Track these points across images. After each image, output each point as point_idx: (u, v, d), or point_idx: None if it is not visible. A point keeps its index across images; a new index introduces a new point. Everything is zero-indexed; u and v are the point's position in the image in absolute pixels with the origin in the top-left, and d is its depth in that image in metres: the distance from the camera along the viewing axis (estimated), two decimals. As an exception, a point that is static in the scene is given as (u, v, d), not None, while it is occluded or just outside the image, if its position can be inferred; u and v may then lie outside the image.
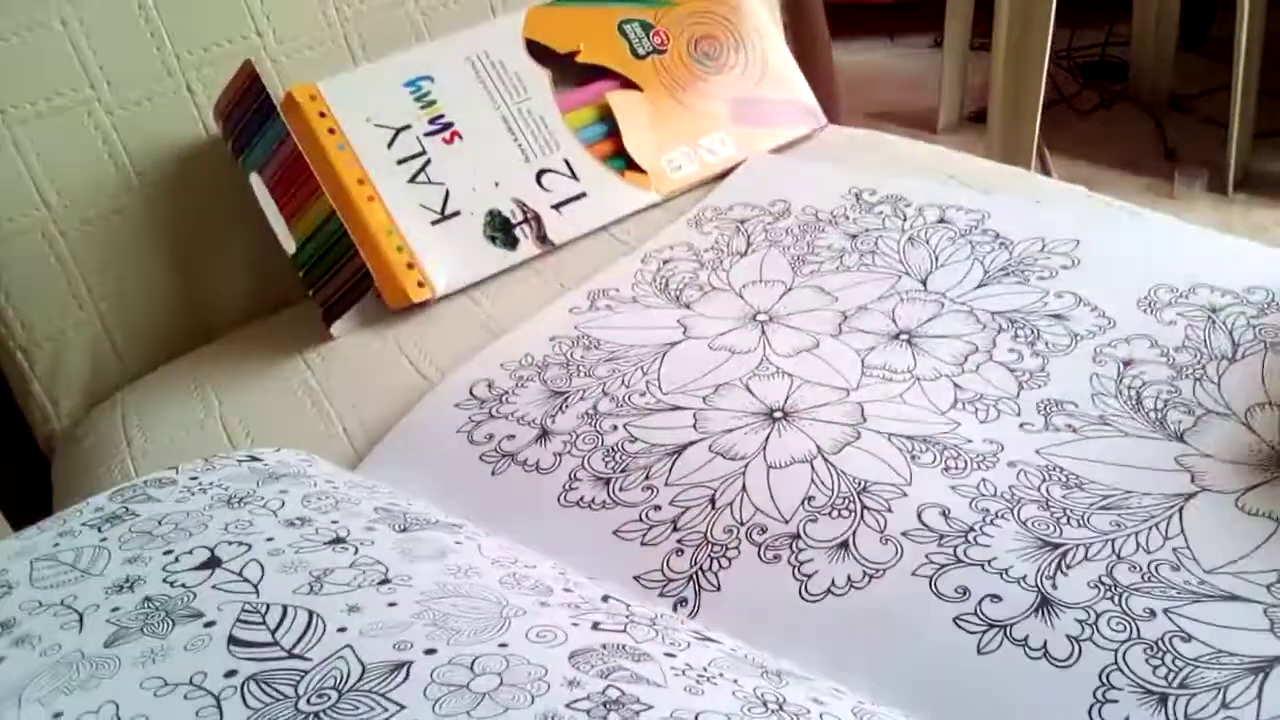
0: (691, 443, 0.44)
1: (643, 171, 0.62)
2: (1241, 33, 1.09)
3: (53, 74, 0.56)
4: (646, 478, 0.43)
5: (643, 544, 0.41)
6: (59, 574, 0.36)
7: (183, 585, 0.34)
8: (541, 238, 0.59)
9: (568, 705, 0.28)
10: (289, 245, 0.58)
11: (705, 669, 0.30)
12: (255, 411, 0.54)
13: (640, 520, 0.42)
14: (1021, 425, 0.43)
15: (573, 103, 0.62)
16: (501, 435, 0.47)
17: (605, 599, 0.34)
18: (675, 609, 0.39)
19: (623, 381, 0.49)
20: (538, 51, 0.63)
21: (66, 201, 0.58)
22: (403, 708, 0.28)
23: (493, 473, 0.46)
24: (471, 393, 0.50)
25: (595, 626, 0.31)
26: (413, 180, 0.58)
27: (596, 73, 0.63)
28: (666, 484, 0.43)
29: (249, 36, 0.59)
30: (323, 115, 0.58)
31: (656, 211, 0.62)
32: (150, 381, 0.60)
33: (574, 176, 0.60)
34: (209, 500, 0.39)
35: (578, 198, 0.60)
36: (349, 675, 0.29)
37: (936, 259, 0.53)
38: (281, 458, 0.44)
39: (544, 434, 0.47)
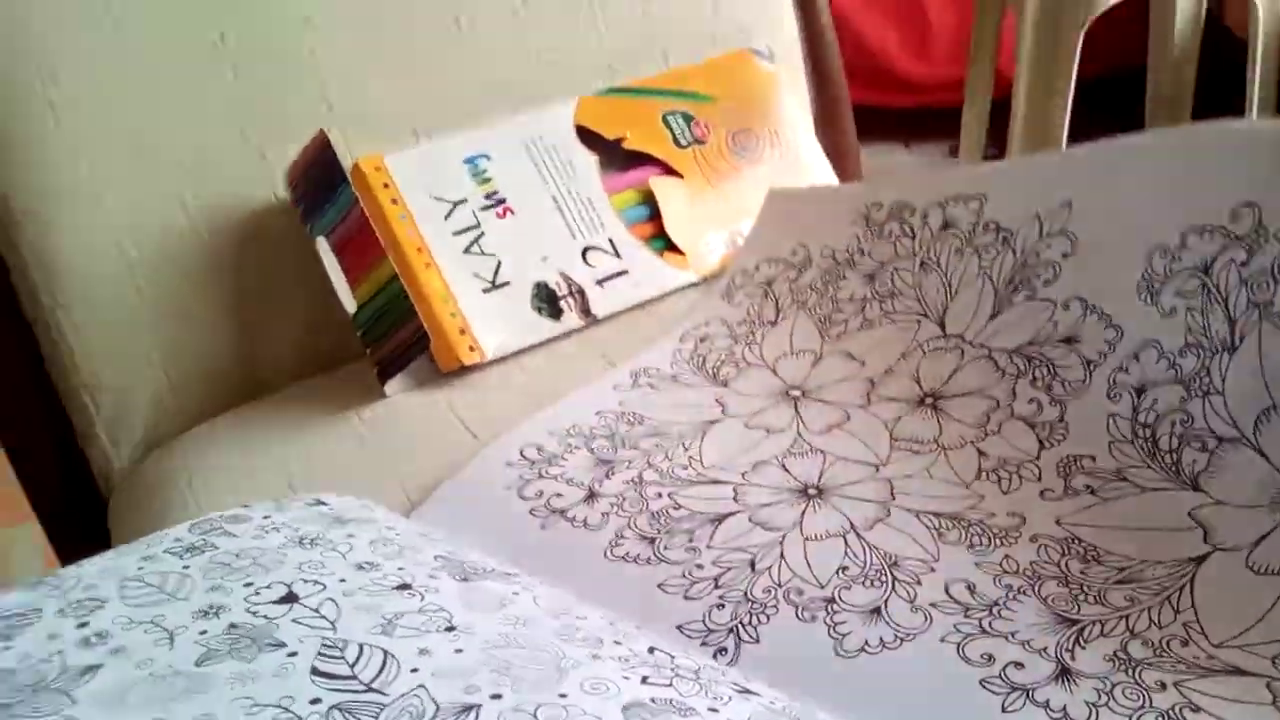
0: (732, 513, 0.47)
1: (681, 253, 0.65)
2: (1252, 101, 1.13)
3: (139, 141, 0.60)
4: (690, 540, 0.46)
5: (685, 598, 0.44)
6: (147, 595, 0.38)
7: (264, 617, 0.36)
8: (585, 311, 0.63)
9: None
10: (350, 305, 0.61)
11: None
12: (309, 461, 0.57)
13: (683, 577, 0.44)
14: (1043, 493, 0.46)
15: (618, 185, 0.66)
16: (550, 493, 0.50)
17: (651, 651, 0.36)
18: (715, 657, 0.41)
19: (666, 455, 0.51)
20: (587, 137, 0.66)
21: (143, 257, 0.61)
22: None
23: (542, 526, 0.49)
24: (522, 454, 0.53)
25: (644, 680, 0.33)
26: (467, 251, 0.62)
27: (641, 159, 0.67)
28: (708, 546, 0.46)
29: (320, 110, 0.63)
30: (386, 186, 0.62)
31: (692, 291, 0.66)
32: (208, 428, 0.63)
33: (617, 255, 0.64)
34: (282, 539, 0.41)
35: (620, 274, 0.64)
36: (424, 712, 0.31)
37: (950, 286, 0.55)
38: (345, 503, 0.47)
39: (592, 495, 0.49)
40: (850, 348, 0.56)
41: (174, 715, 0.32)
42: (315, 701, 0.32)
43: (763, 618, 0.42)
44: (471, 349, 0.60)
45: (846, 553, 0.44)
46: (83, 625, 0.37)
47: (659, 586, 0.44)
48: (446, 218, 0.63)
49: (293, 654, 0.34)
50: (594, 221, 0.65)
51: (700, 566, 0.45)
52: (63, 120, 0.59)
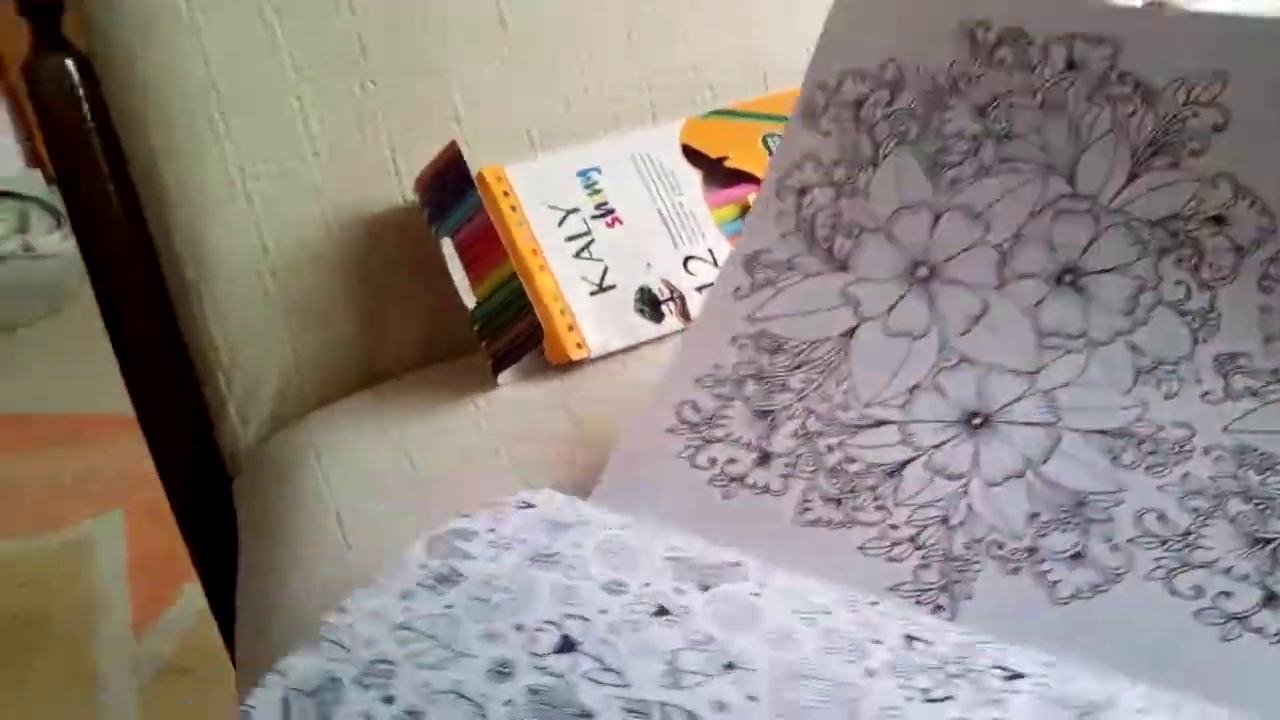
0: (907, 461, 0.46)
1: (777, 267, 0.70)
2: None
3: (286, 143, 0.66)
4: (875, 498, 0.45)
5: (889, 559, 0.43)
6: (429, 650, 0.38)
7: (555, 674, 0.36)
8: (684, 314, 0.67)
9: None
10: (470, 301, 0.66)
11: None
12: (431, 445, 0.62)
13: (881, 538, 0.44)
14: (1204, 395, 0.44)
15: (719, 201, 0.71)
16: (723, 460, 0.49)
17: (910, 642, 0.36)
18: (934, 613, 0.42)
19: (820, 395, 0.49)
20: (692, 155, 0.72)
21: (280, 248, 0.67)
22: None
23: (724, 496, 0.48)
24: (680, 418, 0.51)
25: (925, 696, 0.34)
26: (578, 256, 0.67)
27: (741, 177, 0.73)
28: (896, 505, 0.45)
29: (449, 122, 0.69)
30: (506, 194, 0.67)
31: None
32: (332, 411, 0.69)
33: (715, 264, 0.69)
34: (517, 559, 0.42)
35: (718, 282, 0.68)
36: None
37: (1079, 136, 0.48)
38: (546, 499, 0.47)
39: (764, 457, 0.48)
40: (969, 200, 0.49)
41: None
42: None
43: (970, 574, 0.42)
44: (579, 345, 0.65)
45: (1031, 496, 0.44)
46: (389, 701, 0.37)
47: (859, 549, 0.44)
48: (560, 225, 0.68)
49: None
50: (696, 232, 0.70)
51: (895, 527, 0.44)
52: (222, 128, 0.65)
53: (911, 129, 0.51)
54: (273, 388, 0.70)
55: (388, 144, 0.70)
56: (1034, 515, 0.43)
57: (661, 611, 0.38)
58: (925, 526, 0.44)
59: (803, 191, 0.53)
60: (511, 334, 0.67)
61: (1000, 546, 0.43)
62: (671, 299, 0.69)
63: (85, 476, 1.48)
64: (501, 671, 0.36)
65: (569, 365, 0.66)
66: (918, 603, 0.42)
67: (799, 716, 0.33)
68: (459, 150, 0.68)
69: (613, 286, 0.69)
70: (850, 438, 0.48)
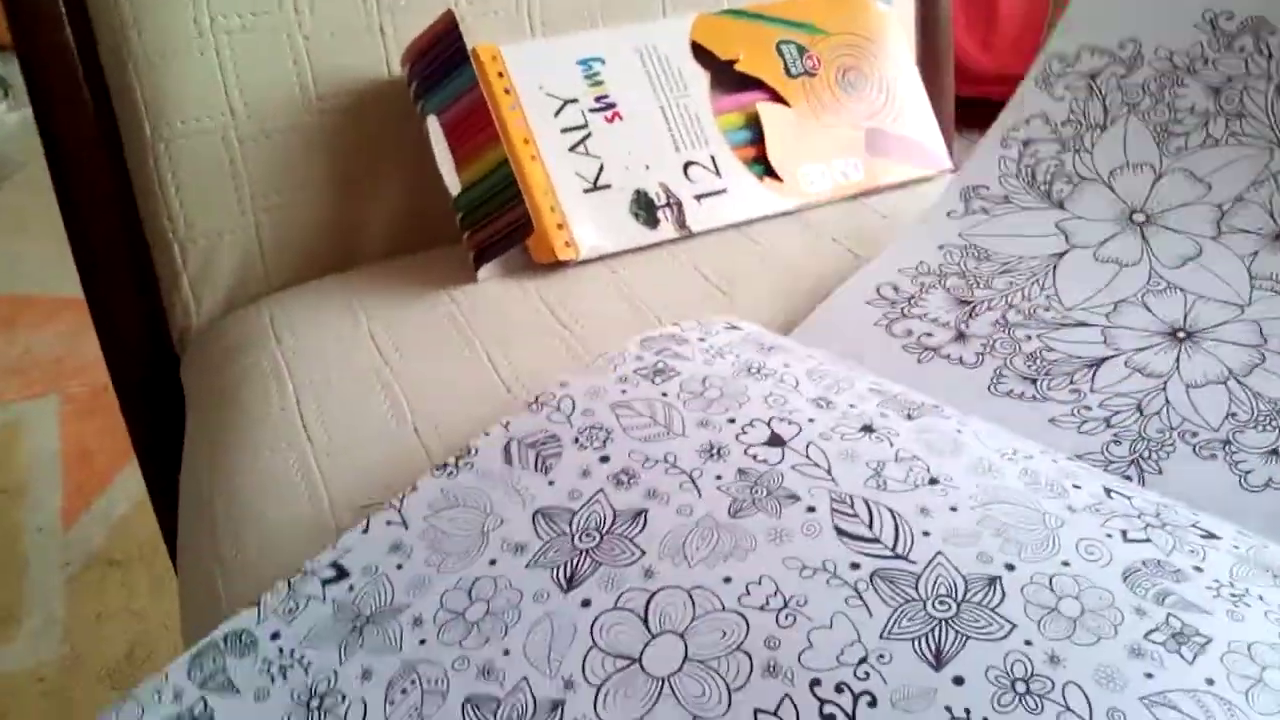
0: (1106, 358, 0.48)
1: (779, 179, 0.66)
2: None
3: (262, -7, 0.60)
4: (1071, 382, 0.47)
5: (1079, 432, 0.45)
6: (643, 426, 0.41)
7: (765, 462, 0.38)
8: (680, 223, 0.63)
9: (1145, 637, 0.31)
10: (454, 187, 0.61)
11: (1232, 584, 0.34)
12: (402, 329, 0.58)
13: (1073, 414, 0.46)
14: None
15: (726, 106, 0.67)
16: (920, 332, 0.51)
17: (1109, 494, 0.38)
18: None
19: (1024, 295, 0.51)
20: (701, 54, 0.68)
21: (250, 111, 0.62)
22: (1015, 626, 0.31)
23: (918, 361, 0.50)
24: (879, 293, 0.54)
25: (1125, 537, 0.35)
26: (572, 149, 0.62)
27: (751, 83, 0.68)
28: (1092, 390, 0.47)
29: (442, -9, 0.64)
30: (500, 75, 0.62)
31: (788, 219, 0.66)
32: (297, 293, 0.64)
33: (717, 173, 0.65)
34: (731, 367, 0.44)
35: (718, 193, 0.65)
36: (955, 585, 0.33)
37: None
38: (750, 326, 0.49)
39: (961, 335, 0.50)
40: (1193, 166, 0.54)
41: (738, 573, 0.34)
42: (855, 567, 0.34)
43: (1162, 454, 0.44)
44: (567, 244, 0.60)
45: (1231, 400, 0.46)
46: (605, 460, 0.39)
47: (1050, 421, 0.46)
48: (556, 114, 0.63)
49: (811, 509, 0.36)
50: (699, 137, 0.65)
51: (1088, 408, 0.46)
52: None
53: (1144, 100, 0.56)
54: (231, 264, 0.63)
55: (377, 6, 0.63)
56: (1232, 415, 0.44)
57: (868, 429, 0.39)
58: (1119, 411, 0.45)
59: (1028, 143, 0.58)
60: (497, 225, 0.61)
61: (1195, 435, 0.44)
62: (669, 204, 0.65)
63: (21, 358, 1.41)
64: (713, 452, 0.38)
65: (554, 265, 0.62)
66: (1104, 471, 0.43)
67: (999, 531, 0.34)
68: (455, 21, 0.60)
69: (608, 186, 0.63)
70: (1050, 332, 0.50)
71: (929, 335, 0.51)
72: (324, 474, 0.47)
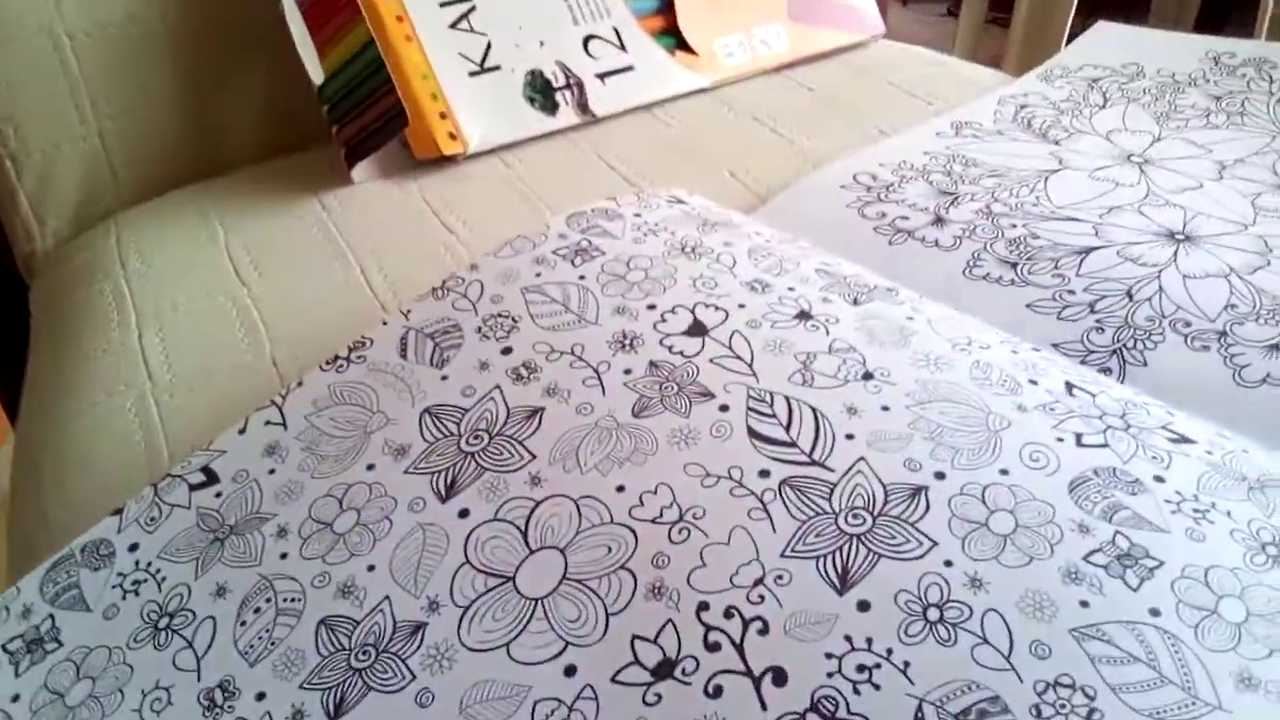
0: (1096, 247, 0.45)
1: (694, 53, 0.61)
2: (1263, 24, 1.10)
3: None
4: (1055, 267, 0.44)
5: (1059, 318, 0.42)
6: (555, 313, 0.37)
7: (681, 354, 0.35)
8: (583, 106, 0.58)
9: (1085, 559, 0.27)
10: (317, 76, 0.55)
11: (1196, 497, 0.30)
12: (265, 244, 0.52)
13: (1054, 299, 0.43)
14: None
15: (628, -31, 0.60)
16: (895, 215, 0.48)
17: (1070, 390, 0.34)
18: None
19: (1011, 193, 0.49)
20: (597, -90, 0.60)
21: (84, 5, 0.54)
22: (935, 544, 0.28)
23: (889, 243, 0.47)
24: (855, 179, 0.51)
25: (1079, 441, 0.32)
26: (454, 26, 0.56)
27: (655, -59, 0.61)
28: (1077, 275, 0.44)
29: None
30: (365, -57, 0.55)
31: (704, 98, 0.61)
32: (151, 207, 0.57)
33: (622, 47, 0.59)
34: (663, 246, 0.40)
35: (624, 70, 0.59)
36: (874, 497, 0.29)
37: None
38: (699, 202, 0.45)
39: (939, 220, 0.47)
40: (1192, 138, 0.53)
41: (632, 481, 0.31)
42: (764, 474, 0.30)
43: (1149, 343, 0.41)
44: (452, 136, 0.55)
45: (1232, 292, 0.43)
46: (507, 352, 0.36)
47: (1028, 306, 0.43)
48: (433, -13, 0.56)
49: (724, 408, 0.32)
50: (599, 8, 0.59)
51: (1071, 292, 0.43)
52: None
53: (1144, 98, 0.57)
54: (75, 179, 0.56)
55: None
56: (1231, 306, 0.42)
57: (804, 315, 0.36)
58: (1106, 296, 0.43)
59: (1024, 106, 0.58)
60: (367, 117, 0.54)
61: (1187, 325, 0.41)
62: (568, 86, 0.58)
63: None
64: (625, 343, 0.36)
65: (439, 161, 0.55)
66: (1083, 362, 0.40)
67: (933, 434, 0.31)
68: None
69: (496, 67, 0.56)
70: (1036, 222, 0.47)
71: (904, 219, 0.48)
72: (163, 416, 0.42)
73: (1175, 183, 0.49)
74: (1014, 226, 0.47)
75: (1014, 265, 0.44)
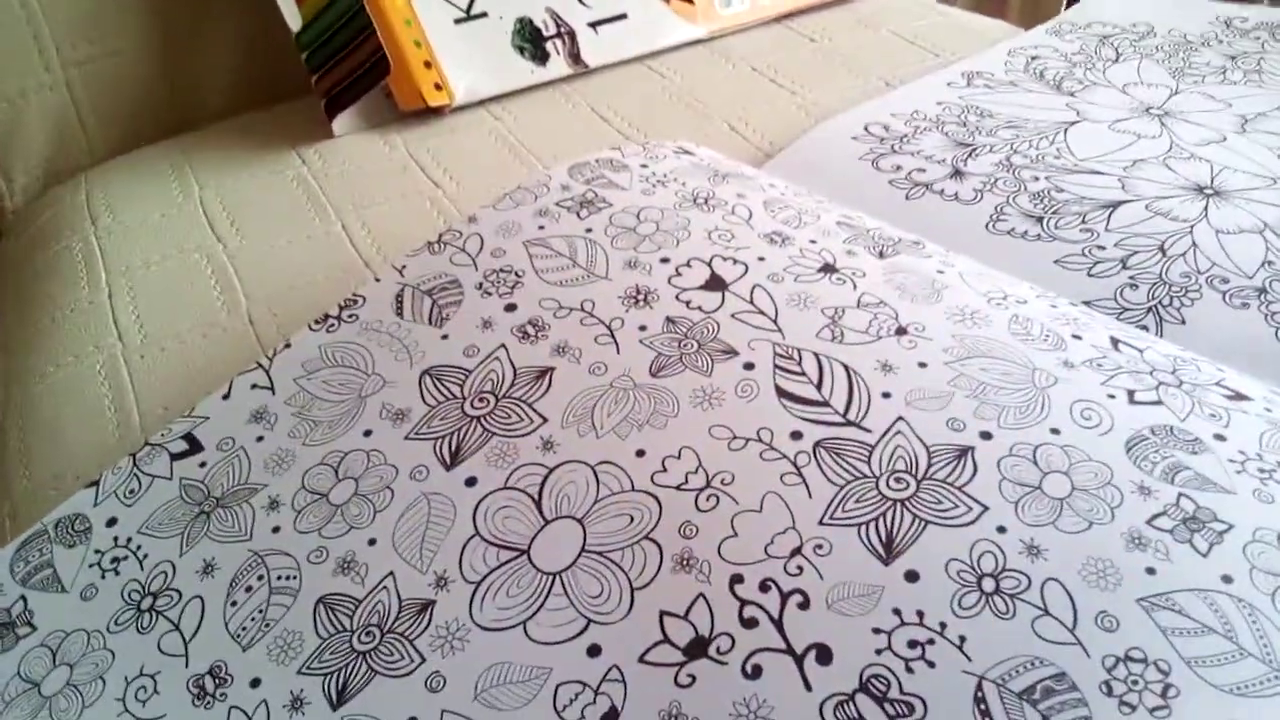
0: (1124, 201, 0.43)
1: (690, 2, 0.58)
2: None
3: None
4: (1083, 221, 0.42)
5: (1090, 274, 0.40)
6: (560, 268, 0.35)
7: (700, 309, 0.32)
8: (575, 56, 0.55)
9: (1149, 523, 0.25)
10: (294, 22, 0.52)
11: (1260, 456, 0.28)
12: (241, 198, 0.49)
13: (1084, 255, 0.41)
14: None
15: (620, -88, 0.57)
16: (911, 168, 0.46)
17: (1116, 345, 0.32)
18: None
19: (1030, 144, 0.47)
20: None
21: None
22: (986, 508, 0.26)
23: (906, 197, 0.44)
24: (867, 129, 0.49)
25: (1131, 399, 0.29)
26: (437, -30, 0.53)
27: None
28: (1106, 230, 0.42)
29: None
30: (343, -121, 0.52)
31: (701, 49, 0.58)
32: (123, 161, 0.55)
33: (615, -7, 0.56)
34: (674, 198, 0.38)
35: (618, 18, 0.56)
36: (916, 459, 0.27)
37: None
38: (707, 153, 0.42)
39: (958, 173, 0.45)
40: (1211, 92, 0.51)
41: (654, 445, 0.29)
42: (796, 436, 0.28)
43: (1185, 300, 0.39)
44: (437, 87, 0.52)
45: (1269, 248, 0.41)
46: (511, 309, 0.34)
47: (1056, 262, 0.41)
48: (416, -71, 0.53)
49: (749, 365, 0.30)
50: (589, -48, 0.56)
51: (1101, 247, 0.41)
52: None
53: (1157, 54, 0.55)
54: (43, 131, 0.53)
55: None
56: (1268, 263, 0.40)
57: (829, 269, 0.34)
58: (1137, 251, 0.41)
59: (1036, 57, 0.56)
60: (347, 65, 0.51)
61: (1225, 281, 0.39)
62: (559, 35, 0.56)
63: None
64: (639, 298, 0.33)
65: (424, 113, 0.53)
66: (1118, 320, 0.38)
67: (975, 392, 0.29)
68: None
69: (484, 14, 0.53)
70: (1060, 175, 0.45)
71: (921, 171, 0.45)
72: (134, 379, 0.39)
73: (1198, 135, 0.47)
74: (1036, 179, 0.44)
75: (1039, 220, 0.42)
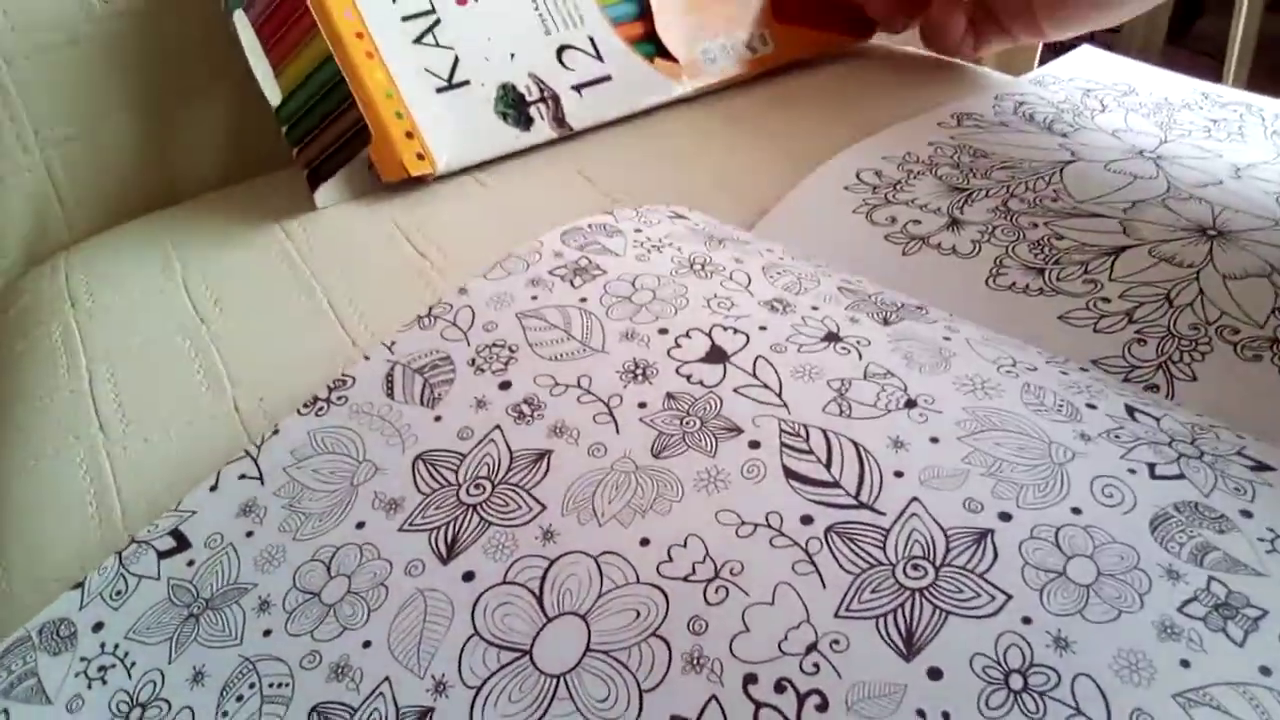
0: (1127, 247, 0.42)
1: (674, 60, 0.58)
2: (1236, 31, 1.09)
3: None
4: (1085, 271, 0.41)
5: (1095, 330, 0.38)
6: (555, 340, 0.34)
7: (701, 383, 0.31)
8: (559, 120, 0.54)
9: (1180, 610, 0.24)
10: (274, 96, 0.52)
11: None
12: (224, 276, 0.48)
13: (1088, 309, 0.39)
14: None
15: (602, -25, 0.57)
16: (906, 219, 0.45)
17: (1132, 414, 0.31)
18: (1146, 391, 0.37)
19: (1027, 186, 0.46)
20: (566, -86, 0.57)
21: (13, 22, 0.51)
22: (1010, 597, 0.24)
23: (903, 253, 0.43)
24: (859, 178, 0.48)
25: (1153, 472, 0.28)
26: (419, 41, 0.53)
27: (627, -55, 0.59)
28: (1110, 280, 0.40)
29: None
30: (317, -47, 0.52)
31: (686, 107, 0.58)
32: (102, 240, 0.53)
33: (598, 57, 0.56)
34: (670, 264, 0.37)
35: (601, 80, 0.56)
36: (933, 543, 0.26)
37: None
38: (701, 217, 0.42)
39: (954, 223, 0.44)
40: (1199, 144, 0.51)
41: (658, 532, 0.27)
42: (807, 521, 0.27)
43: (1195, 354, 0.37)
44: (420, 157, 0.51)
45: (1278, 294, 0.39)
46: (505, 387, 0.32)
47: (1061, 319, 0.39)
48: (393, 0, 0.53)
49: (754, 444, 0.29)
50: (572, 16, 0.56)
51: (1106, 300, 0.40)
52: None
53: (1142, 109, 0.54)
54: (20, 214, 0.53)
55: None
56: (1278, 310, 0.38)
57: (832, 338, 0.33)
58: (1143, 303, 0.39)
59: (1023, 102, 0.56)
60: (328, 135, 0.51)
61: (1235, 332, 0.38)
62: (543, 100, 0.55)
63: None
64: (637, 373, 0.32)
65: (408, 183, 0.52)
66: (1126, 379, 0.37)
67: (991, 469, 0.27)
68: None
69: (465, 82, 0.53)
70: (1059, 220, 0.44)
71: (916, 223, 0.44)
72: (116, 471, 0.38)
73: (1194, 178, 0.47)
74: (1035, 226, 0.43)
75: (1041, 271, 0.41)
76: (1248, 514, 0.27)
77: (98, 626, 0.30)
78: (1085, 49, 0.63)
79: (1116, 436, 0.29)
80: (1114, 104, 0.56)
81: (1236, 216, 0.44)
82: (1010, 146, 0.50)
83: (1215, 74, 1.18)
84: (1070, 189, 0.46)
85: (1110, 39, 1.48)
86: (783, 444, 0.29)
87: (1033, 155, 0.49)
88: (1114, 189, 0.46)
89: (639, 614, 0.26)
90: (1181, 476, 0.28)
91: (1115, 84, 0.58)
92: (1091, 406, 0.31)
